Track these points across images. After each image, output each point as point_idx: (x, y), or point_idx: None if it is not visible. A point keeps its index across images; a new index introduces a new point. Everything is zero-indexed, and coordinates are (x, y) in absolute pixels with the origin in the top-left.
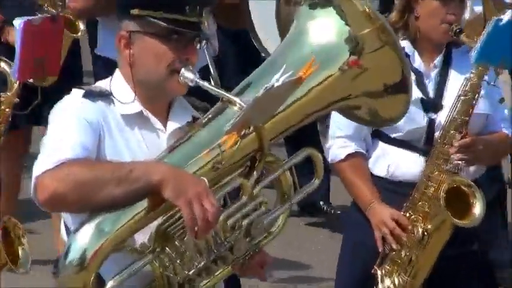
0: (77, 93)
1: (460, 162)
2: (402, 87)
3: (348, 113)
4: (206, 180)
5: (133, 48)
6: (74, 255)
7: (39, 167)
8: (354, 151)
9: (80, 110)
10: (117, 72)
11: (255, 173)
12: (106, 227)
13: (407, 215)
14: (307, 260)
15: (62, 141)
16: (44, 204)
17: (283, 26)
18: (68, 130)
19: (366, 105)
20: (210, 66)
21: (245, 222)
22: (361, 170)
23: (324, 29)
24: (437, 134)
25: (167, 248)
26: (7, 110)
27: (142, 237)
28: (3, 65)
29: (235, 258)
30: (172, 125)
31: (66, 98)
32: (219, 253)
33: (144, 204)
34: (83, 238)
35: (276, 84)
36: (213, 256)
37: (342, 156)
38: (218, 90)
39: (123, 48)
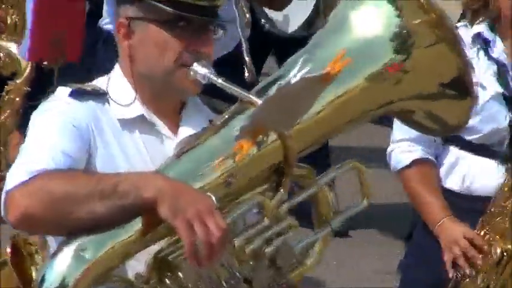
0: (62, 91)
1: None
2: (462, 88)
3: (404, 118)
4: (213, 197)
5: (134, 38)
6: (50, 285)
7: (10, 179)
8: (420, 156)
9: (65, 111)
10: (117, 68)
11: (280, 190)
12: (88, 250)
13: (482, 233)
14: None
15: (40, 149)
16: (15, 224)
17: (326, 10)
18: (49, 135)
19: (420, 110)
20: (244, 56)
21: (268, 249)
22: (430, 178)
23: (368, 17)
24: None
25: (167, 280)
26: (17, 99)
27: (140, 267)
28: (11, 45)
29: None
30: (185, 131)
31: (50, 97)
32: (230, 286)
33: (137, 224)
34: (61, 264)
35: (292, 81)
36: None
37: (407, 162)
38: (236, 89)
39: (123, 38)
